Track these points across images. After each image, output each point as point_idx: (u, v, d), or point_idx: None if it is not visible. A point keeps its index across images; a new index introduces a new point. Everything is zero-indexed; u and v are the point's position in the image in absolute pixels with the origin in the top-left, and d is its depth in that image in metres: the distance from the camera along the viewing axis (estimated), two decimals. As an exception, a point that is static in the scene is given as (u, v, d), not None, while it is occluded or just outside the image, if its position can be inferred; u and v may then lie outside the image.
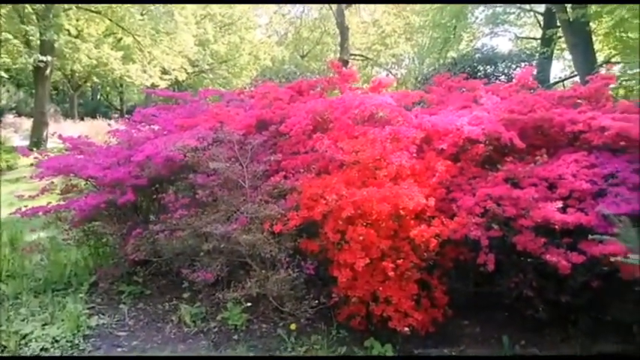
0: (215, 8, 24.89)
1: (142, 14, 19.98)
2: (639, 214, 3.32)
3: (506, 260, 3.67)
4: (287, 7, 22.04)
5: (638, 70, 9.10)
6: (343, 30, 16.70)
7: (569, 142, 4.17)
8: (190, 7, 20.69)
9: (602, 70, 13.50)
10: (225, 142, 3.93)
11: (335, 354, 3.45)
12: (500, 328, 3.86)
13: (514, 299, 3.94)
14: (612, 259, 2.35)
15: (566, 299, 3.77)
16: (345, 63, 16.56)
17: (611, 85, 9.30)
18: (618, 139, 3.71)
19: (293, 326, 3.65)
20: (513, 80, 5.41)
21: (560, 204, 3.37)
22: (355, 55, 20.22)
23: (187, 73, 22.52)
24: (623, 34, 12.52)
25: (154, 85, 19.45)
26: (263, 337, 3.70)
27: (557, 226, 3.31)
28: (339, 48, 17.81)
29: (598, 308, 3.83)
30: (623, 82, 9.37)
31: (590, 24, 11.60)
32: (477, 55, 10.69)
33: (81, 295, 4.44)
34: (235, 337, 3.70)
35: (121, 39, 21.30)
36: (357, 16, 20.20)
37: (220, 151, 3.78)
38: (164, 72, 20.65)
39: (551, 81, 13.97)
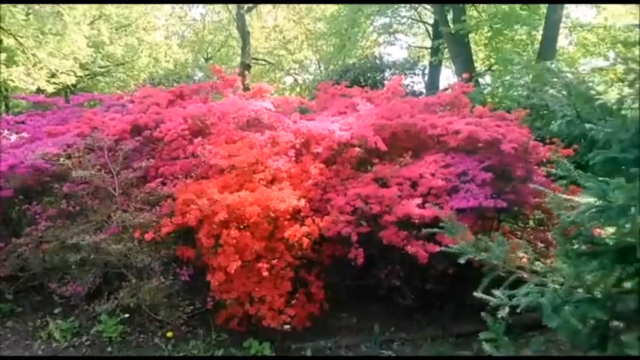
0: (110, 9, 23.47)
1: (26, 14, 18.34)
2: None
3: (376, 254, 3.94)
4: (184, 9, 21.47)
5: (507, 78, 10.10)
6: (244, 34, 16.60)
7: (434, 145, 4.57)
8: (81, 7, 19.36)
9: (488, 78, 14.82)
10: (96, 149, 3.81)
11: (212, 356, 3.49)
12: (374, 317, 4.12)
13: (387, 290, 4.25)
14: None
15: (430, 287, 4.15)
16: (248, 67, 16.49)
17: (485, 91, 10.24)
18: (470, 140, 4.14)
19: (170, 334, 3.63)
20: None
21: (420, 200, 3.71)
22: (258, 59, 20.23)
23: (79, 77, 20.98)
24: (499, 45, 13.88)
25: (39, 90, 17.92)
26: (139, 347, 3.63)
27: (416, 220, 3.64)
28: (243, 52, 17.77)
29: (461, 293, 4.24)
30: (494, 90, 10.35)
31: (472, 35, 12.70)
32: (368, 65, 11.25)
33: (-62, 318, 4.06)
34: (109, 349, 3.60)
35: (1, 41, 19.36)
36: (259, 20, 20.25)
37: (89, 158, 3.66)
38: (52, 75, 19.11)
39: (441, 87, 15.02)
